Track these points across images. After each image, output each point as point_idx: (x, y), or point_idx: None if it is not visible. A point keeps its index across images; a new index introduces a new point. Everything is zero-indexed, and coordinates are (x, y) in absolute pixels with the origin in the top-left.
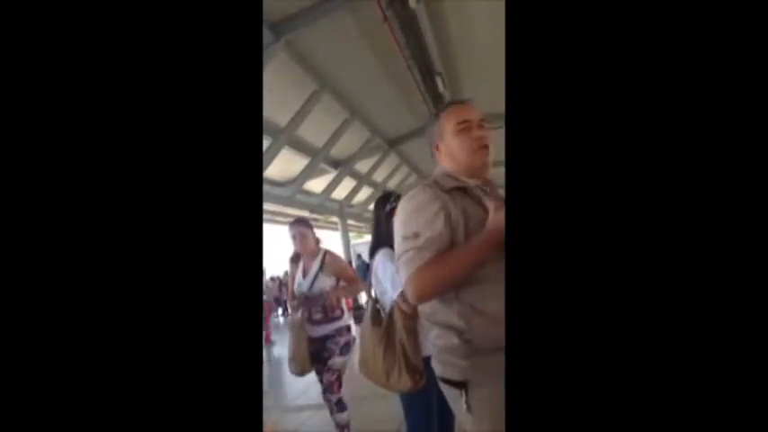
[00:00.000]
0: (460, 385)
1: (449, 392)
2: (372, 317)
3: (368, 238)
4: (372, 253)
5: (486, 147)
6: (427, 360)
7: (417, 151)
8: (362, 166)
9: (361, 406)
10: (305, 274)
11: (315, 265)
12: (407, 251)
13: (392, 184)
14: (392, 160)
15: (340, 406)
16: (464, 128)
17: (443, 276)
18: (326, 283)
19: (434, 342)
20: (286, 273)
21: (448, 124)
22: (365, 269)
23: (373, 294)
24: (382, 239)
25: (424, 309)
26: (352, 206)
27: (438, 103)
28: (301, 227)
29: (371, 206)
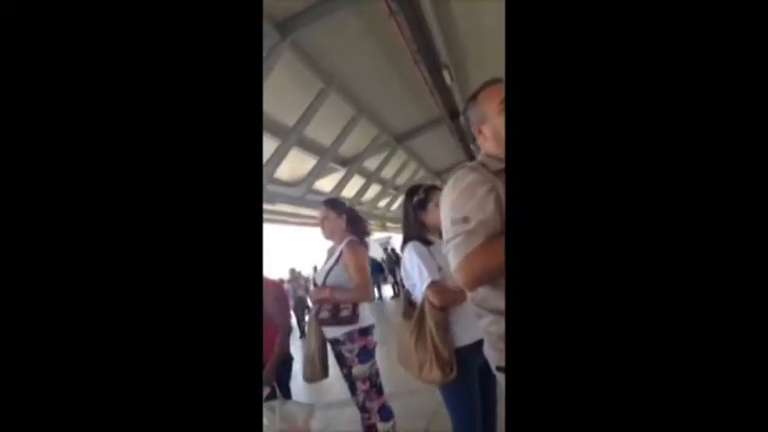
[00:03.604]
0: None
1: (502, 380)
2: (404, 310)
3: (378, 235)
4: (402, 247)
5: None
6: (463, 350)
7: (425, 147)
8: (371, 163)
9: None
10: (327, 261)
11: (335, 255)
12: (456, 236)
13: (401, 181)
14: (400, 156)
15: (383, 413)
16: None
17: (496, 261)
18: (344, 278)
19: (488, 329)
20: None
21: (489, 105)
22: (377, 267)
23: (405, 287)
24: (411, 232)
25: (475, 295)
26: (361, 203)
27: (446, 97)
28: (325, 208)
29: (381, 203)
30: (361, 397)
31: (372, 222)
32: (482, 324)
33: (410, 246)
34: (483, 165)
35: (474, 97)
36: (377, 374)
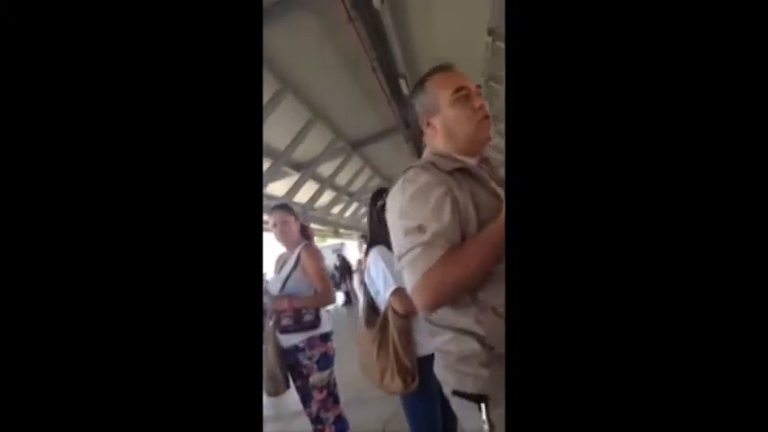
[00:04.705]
0: (479, 398)
1: (462, 406)
2: (367, 318)
3: (330, 241)
4: (367, 252)
5: (489, 117)
6: (426, 360)
7: (381, 154)
8: (325, 168)
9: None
10: (280, 269)
11: (291, 261)
12: (412, 249)
13: (355, 187)
14: (355, 163)
15: (338, 425)
16: (462, 96)
17: (459, 277)
18: (303, 284)
19: (443, 348)
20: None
21: (441, 95)
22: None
23: (368, 294)
24: (376, 237)
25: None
26: (314, 209)
27: (402, 106)
28: (283, 213)
29: (334, 209)
30: (315, 407)
31: (326, 229)
32: (437, 342)
33: (375, 251)
34: (433, 164)
35: (422, 84)
36: (334, 383)
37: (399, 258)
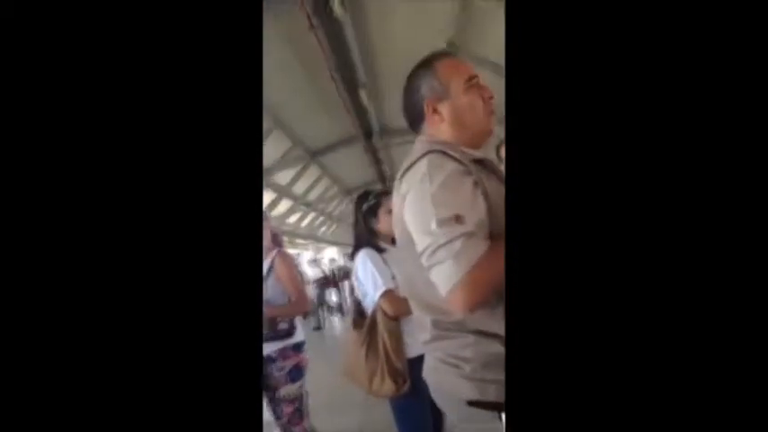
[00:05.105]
0: (498, 407)
1: (471, 417)
2: (354, 320)
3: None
4: (353, 254)
5: (494, 112)
6: (416, 361)
7: (339, 163)
8: (282, 177)
9: (320, 415)
10: None
11: (264, 268)
12: (451, 240)
13: (312, 197)
14: (313, 172)
15: None
16: (475, 84)
17: (499, 275)
18: (277, 291)
19: (458, 354)
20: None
21: (454, 81)
22: None
23: (354, 296)
24: (362, 240)
25: (441, 313)
26: (267, 219)
27: (361, 116)
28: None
29: (290, 219)
30: (284, 420)
31: (283, 239)
32: (447, 347)
33: (363, 253)
34: (451, 151)
35: (430, 66)
36: (305, 396)
37: (433, 251)
